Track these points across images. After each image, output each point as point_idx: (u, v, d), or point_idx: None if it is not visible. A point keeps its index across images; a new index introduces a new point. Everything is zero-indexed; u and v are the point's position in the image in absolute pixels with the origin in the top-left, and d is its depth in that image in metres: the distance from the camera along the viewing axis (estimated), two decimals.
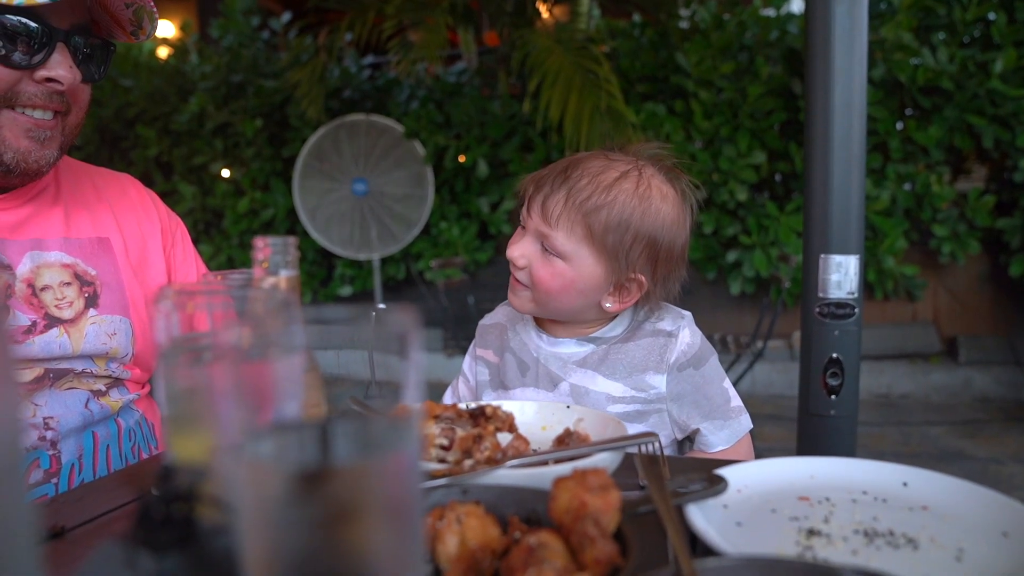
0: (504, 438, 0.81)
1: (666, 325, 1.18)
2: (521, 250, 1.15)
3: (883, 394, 4.81)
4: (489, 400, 1.03)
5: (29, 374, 1.06)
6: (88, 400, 1.11)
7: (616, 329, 1.21)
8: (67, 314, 1.10)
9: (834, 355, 1.71)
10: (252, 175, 5.99)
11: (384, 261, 5.76)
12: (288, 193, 5.80)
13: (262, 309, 0.59)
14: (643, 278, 1.14)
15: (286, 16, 6.13)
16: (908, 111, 4.64)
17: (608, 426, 0.83)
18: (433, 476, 0.71)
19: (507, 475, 0.70)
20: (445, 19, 4.14)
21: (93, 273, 1.15)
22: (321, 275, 6.18)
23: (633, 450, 0.77)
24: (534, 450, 0.79)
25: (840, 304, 1.70)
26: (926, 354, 4.92)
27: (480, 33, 5.92)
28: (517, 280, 1.17)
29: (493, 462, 0.73)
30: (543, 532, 0.58)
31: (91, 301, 1.13)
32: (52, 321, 1.08)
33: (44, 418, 1.06)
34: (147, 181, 6.65)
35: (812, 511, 0.69)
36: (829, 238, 1.70)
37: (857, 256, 1.69)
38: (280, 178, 5.97)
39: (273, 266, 0.71)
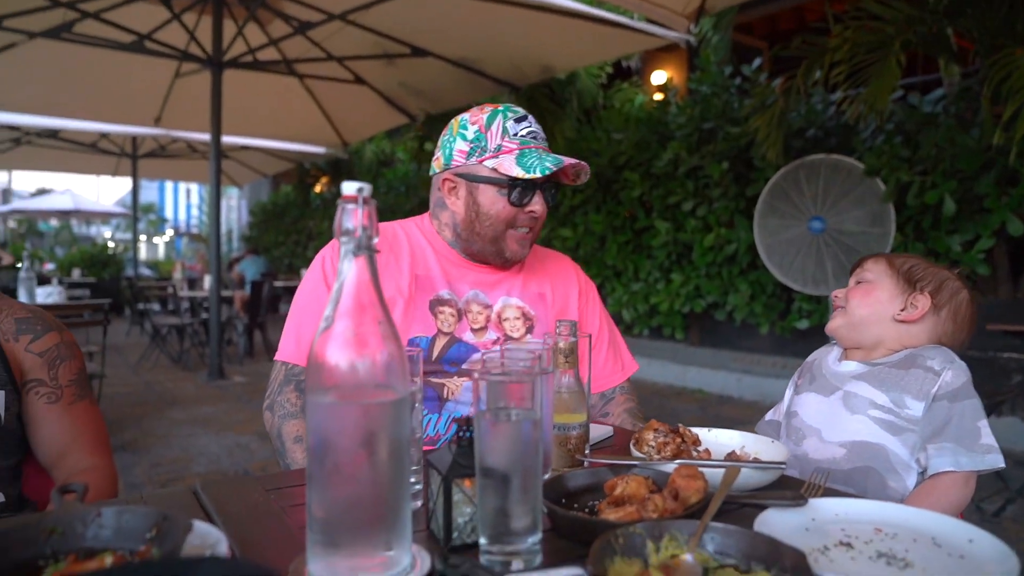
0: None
1: (935, 364, 1.40)
2: (842, 292, 1.57)
3: None
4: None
5: None
6: None
7: (894, 358, 1.46)
8: (515, 335, 1.81)
9: None
10: (718, 213, 6.59)
11: None
12: (749, 229, 6.22)
13: (547, 359, 1.14)
14: (926, 297, 1.46)
15: (756, 61, 6.58)
16: None
17: (771, 452, 1.14)
18: (635, 461, 1.15)
19: (673, 467, 1.11)
20: (897, 56, 4.06)
21: (533, 314, 1.82)
22: (779, 307, 6.44)
23: (761, 472, 1.09)
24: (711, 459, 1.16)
25: None
26: None
27: (967, 55, 5.44)
28: (835, 312, 1.56)
29: (672, 459, 1.13)
30: (657, 494, 1.00)
31: (529, 330, 1.82)
32: (507, 339, 1.80)
33: None
34: (632, 218, 7.73)
35: (870, 537, 0.90)
36: None
37: None
38: (743, 215, 6.44)
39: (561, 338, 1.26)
